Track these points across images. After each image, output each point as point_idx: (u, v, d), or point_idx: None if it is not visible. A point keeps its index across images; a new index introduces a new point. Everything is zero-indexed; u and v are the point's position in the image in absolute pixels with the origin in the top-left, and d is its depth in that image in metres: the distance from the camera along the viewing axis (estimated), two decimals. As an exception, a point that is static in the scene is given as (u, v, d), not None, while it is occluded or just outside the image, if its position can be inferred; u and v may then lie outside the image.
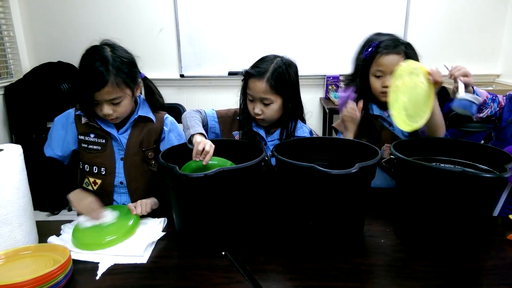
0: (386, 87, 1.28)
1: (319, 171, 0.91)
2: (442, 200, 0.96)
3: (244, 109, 1.35)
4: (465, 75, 1.17)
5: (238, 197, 1.01)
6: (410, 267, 0.95)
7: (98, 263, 0.97)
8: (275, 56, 1.29)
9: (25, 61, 3.03)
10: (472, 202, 0.95)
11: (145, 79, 1.33)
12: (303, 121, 1.41)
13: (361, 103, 1.33)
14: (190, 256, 1.01)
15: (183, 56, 3.01)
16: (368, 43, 1.35)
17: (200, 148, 1.05)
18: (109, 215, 1.15)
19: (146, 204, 1.20)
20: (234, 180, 0.97)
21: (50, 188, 2.63)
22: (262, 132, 1.35)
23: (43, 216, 2.83)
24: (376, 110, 1.37)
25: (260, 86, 1.24)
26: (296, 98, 1.33)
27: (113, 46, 1.20)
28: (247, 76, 1.28)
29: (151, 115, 1.33)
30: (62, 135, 1.30)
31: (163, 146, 1.33)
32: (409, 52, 1.30)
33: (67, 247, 0.95)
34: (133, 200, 1.29)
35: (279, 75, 1.24)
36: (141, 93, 1.35)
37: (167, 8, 2.94)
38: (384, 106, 1.32)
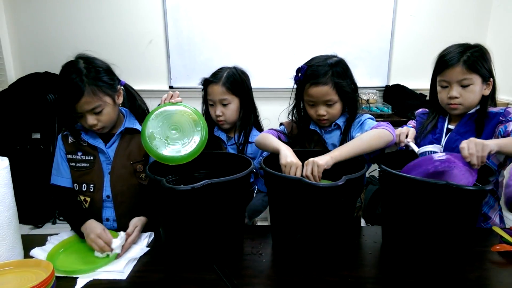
0: (320, 115, 1.29)
1: (306, 183, 0.92)
2: (427, 212, 0.97)
3: (206, 116, 1.48)
4: (407, 135, 1.27)
5: (225, 209, 1.01)
6: (397, 279, 0.96)
7: (77, 277, 0.95)
8: (229, 67, 1.47)
9: (11, 71, 2.99)
10: (456, 214, 0.97)
11: (125, 85, 1.34)
12: (260, 128, 1.53)
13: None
14: (176, 270, 1.00)
15: (172, 67, 3.01)
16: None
17: (170, 94, 1.20)
18: (117, 244, 1.07)
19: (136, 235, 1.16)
20: (221, 192, 0.97)
21: (34, 200, 2.59)
22: (223, 136, 1.48)
23: (26, 229, 2.76)
24: (312, 125, 1.38)
25: (217, 89, 1.41)
26: (250, 104, 1.48)
27: (86, 58, 1.22)
28: (206, 83, 1.45)
29: (138, 127, 1.32)
30: (59, 159, 1.30)
31: (152, 158, 1.32)
32: (338, 81, 1.24)
33: (50, 263, 0.93)
34: (118, 214, 1.27)
35: (233, 78, 1.42)
36: (124, 103, 1.35)
37: (157, 20, 2.95)
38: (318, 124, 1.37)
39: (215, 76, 1.43)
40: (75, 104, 1.15)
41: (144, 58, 3.01)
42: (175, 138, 1.08)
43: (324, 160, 1.03)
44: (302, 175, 1.04)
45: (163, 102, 1.20)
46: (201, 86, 1.49)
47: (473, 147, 1.01)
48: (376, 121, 1.31)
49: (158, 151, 1.06)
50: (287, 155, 1.08)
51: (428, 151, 1.13)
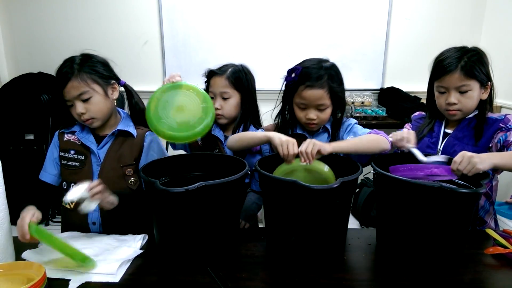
0: (309, 119, 1.28)
1: (300, 186, 0.91)
2: (421, 214, 0.98)
3: None
4: (409, 141, 1.18)
5: (220, 211, 1.01)
6: (391, 281, 0.96)
7: (70, 280, 0.94)
8: (236, 64, 1.45)
9: (4, 72, 2.97)
10: (449, 217, 0.97)
11: (125, 85, 1.35)
12: (259, 127, 1.50)
13: None
14: (169, 273, 0.99)
15: (167, 68, 3.01)
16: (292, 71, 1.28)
17: (172, 74, 1.20)
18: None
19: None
20: (216, 195, 0.97)
21: (27, 202, 2.56)
22: (221, 136, 1.43)
23: (18, 231, 2.73)
24: (299, 130, 1.38)
25: (220, 81, 1.39)
26: (252, 104, 1.45)
27: (87, 54, 1.25)
28: (210, 75, 1.43)
29: (131, 129, 1.30)
30: (51, 155, 1.32)
31: (141, 163, 1.29)
32: (333, 86, 1.24)
33: (42, 265, 0.92)
34: (104, 218, 1.25)
35: (238, 75, 1.40)
36: (123, 102, 1.35)
37: (152, 21, 2.94)
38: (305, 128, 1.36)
39: (221, 69, 1.42)
40: (63, 89, 1.18)
41: (139, 59, 3.00)
42: (182, 117, 1.15)
43: (321, 143, 1.05)
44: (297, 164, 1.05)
45: (165, 83, 1.20)
46: (204, 78, 1.47)
47: (464, 165, 1.01)
48: (371, 124, 1.31)
49: (164, 129, 1.13)
50: (281, 135, 1.09)
51: (435, 162, 1.12)
